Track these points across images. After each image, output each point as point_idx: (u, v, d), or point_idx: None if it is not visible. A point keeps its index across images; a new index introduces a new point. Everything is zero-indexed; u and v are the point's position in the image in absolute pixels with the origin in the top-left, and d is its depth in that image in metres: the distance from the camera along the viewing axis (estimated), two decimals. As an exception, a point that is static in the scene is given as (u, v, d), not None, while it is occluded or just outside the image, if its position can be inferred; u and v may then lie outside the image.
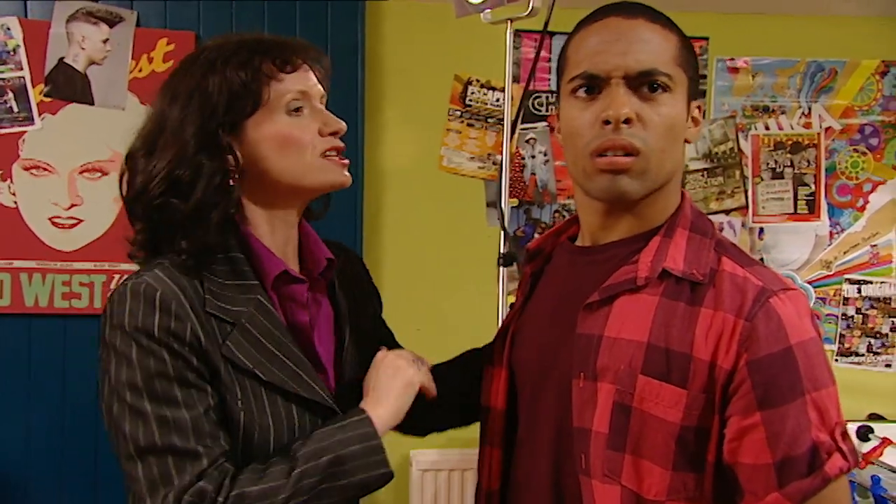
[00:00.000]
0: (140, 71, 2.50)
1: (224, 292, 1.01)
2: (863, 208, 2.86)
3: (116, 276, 2.49)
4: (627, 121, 0.94)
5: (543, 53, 2.73)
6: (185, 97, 1.03)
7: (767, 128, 2.84)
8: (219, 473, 0.95)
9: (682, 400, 0.91)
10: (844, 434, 0.92)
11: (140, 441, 0.94)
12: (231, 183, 1.04)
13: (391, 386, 1.08)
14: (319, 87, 1.11)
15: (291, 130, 1.05)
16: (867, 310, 2.86)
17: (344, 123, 1.10)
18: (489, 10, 1.85)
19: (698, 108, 1.03)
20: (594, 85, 0.97)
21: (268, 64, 1.05)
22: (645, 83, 0.95)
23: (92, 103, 2.48)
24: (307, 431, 1.02)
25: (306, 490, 0.96)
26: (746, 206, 2.83)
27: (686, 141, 1.01)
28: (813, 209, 2.84)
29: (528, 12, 1.79)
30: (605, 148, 0.95)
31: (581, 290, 1.01)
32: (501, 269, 1.83)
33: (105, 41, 2.49)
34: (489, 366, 1.15)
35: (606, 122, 0.95)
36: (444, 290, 2.70)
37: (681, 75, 0.98)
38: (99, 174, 2.49)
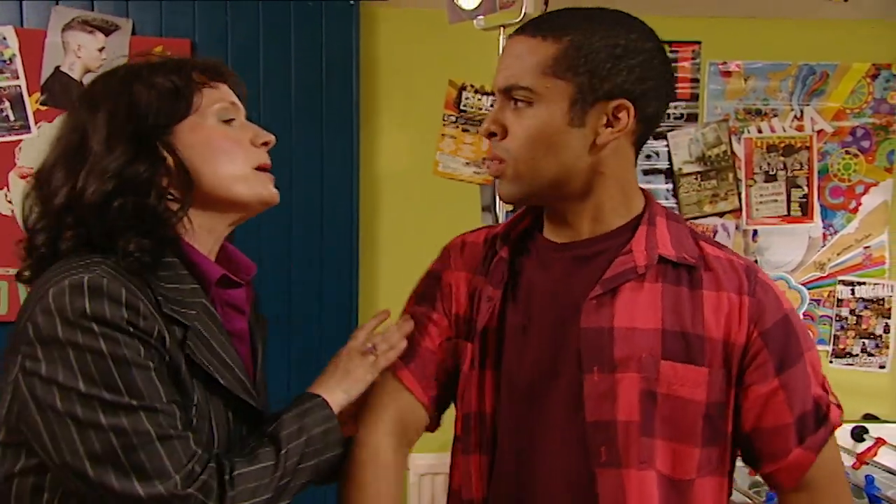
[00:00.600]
0: (136, 79, 2.52)
1: (172, 295, 0.99)
2: (855, 210, 2.87)
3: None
4: (494, 134, 1.04)
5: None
6: (109, 105, 1.02)
7: (760, 131, 2.86)
8: (215, 455, 0.95)
9: (705, 378, 0.99)
10: (830, 387, 1.05)
11: (129, 434, 0.89)
12: (166, 186, 1.02)
13: (346, 379, 1.11)
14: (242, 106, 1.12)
15: (225, 137, 1.06)
16: (861, 311, 2.88)
17: (273, 136, 1.11)
18: (482, 17, 1.88)
19: (618, 108, 1.00)
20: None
21: (197, 73, 1.07)
22: (510, 97, 1.03)
23: (88, 111, 2.49)
24: (237, 440, 1.03)
25: (291, 470, 0.99)
26: (740, 209, 2.84)
27: (598, 144, 1.01)
28: (806, 211, 2.86)
29: (520, 18, 1.82)
30: (488, 158, 1.07)
31: (572, 285, 1.04)
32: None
33: (101, 49, 2.50)
34: (471, 369, 1.10)
35: None
36: (440, 294, 2.70)
37: (555, 84, 0.99)
38: (95, 182, 2.50)
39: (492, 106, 2.86)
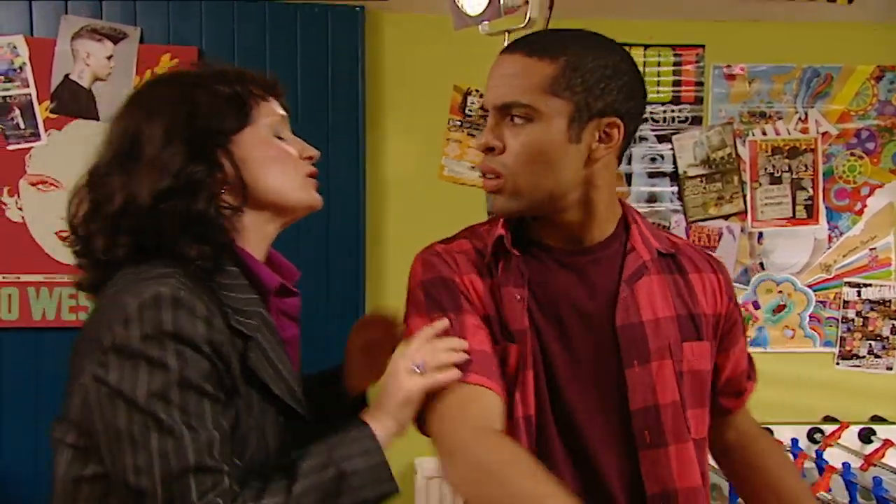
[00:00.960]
0: (144, 86, 2.54)
1: (237, 306, 1.01)
2: (861, 212, 2.87)
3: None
4: (492, 148, 1.06)
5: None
6: (168, 110, 1.04)
7: (765, 133, 2.86)
8: (234, 491, 0.94)
9: (709, 350, 1.15)
10: None
11: (170, 459, 0.91)
12: (219, 192, 1.05)
13: (389, 401, 1.04)
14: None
15: (279, 149, 1.10)
16: (867, 313, 2.88)
17: (317, 151, 1.16)
18: (487, 22, 1.88)
19: (610, 125, 1.05)
20: (487, 116, 1.09)
21: (255, 86, 1.10)
22: (508, 114, 1.05)
23: (97, 119, 2.51)
24: (288, 448, 1.02)
25: None
26: (745, 211, 2.85)
27: (592, 159, 1.05)
28: (811, 213, 2.86)
29: (524, 24, 1.82)
30: (481, 171, 1.10)
31: (590, 287, 1.10)
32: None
33: (109, 57, 2.52)
34: (517, 371, 1.08)
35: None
36: (446, 298, 2.71)
37: (554, 102, 1.03)
38: (104, 188, 2.52)
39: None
